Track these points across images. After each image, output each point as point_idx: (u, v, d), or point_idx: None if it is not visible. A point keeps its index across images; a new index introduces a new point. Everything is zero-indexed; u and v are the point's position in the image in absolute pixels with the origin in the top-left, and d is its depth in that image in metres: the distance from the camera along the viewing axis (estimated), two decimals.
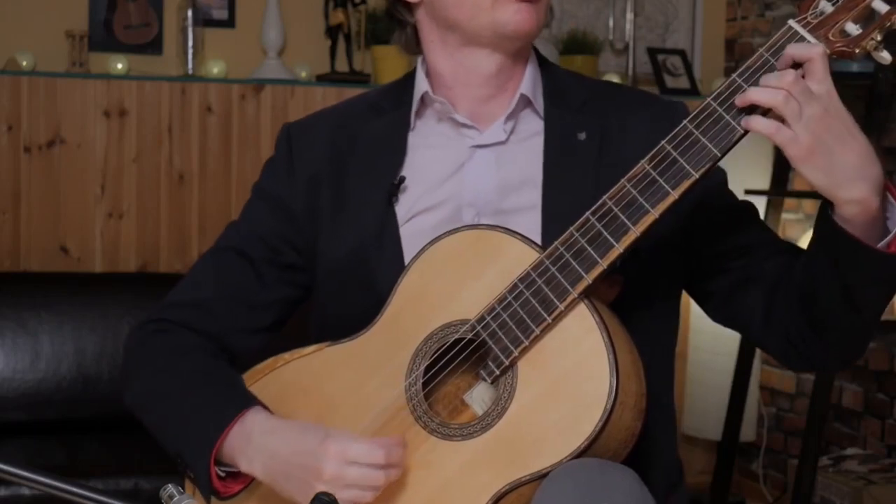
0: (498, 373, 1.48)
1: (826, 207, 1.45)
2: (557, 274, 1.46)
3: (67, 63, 3.83)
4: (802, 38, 1.42)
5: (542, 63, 1.70)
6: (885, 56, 1.43)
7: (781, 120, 1.39)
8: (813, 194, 1.44)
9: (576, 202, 1.51)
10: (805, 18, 1.44)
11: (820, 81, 1.39)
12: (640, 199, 1.45)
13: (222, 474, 1.57)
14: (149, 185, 3.89)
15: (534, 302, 1.46)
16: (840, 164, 1.39)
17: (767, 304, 1.58)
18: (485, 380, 1.51)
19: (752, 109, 1.41)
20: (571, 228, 1.47)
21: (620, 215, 1.45)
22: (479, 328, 1.49)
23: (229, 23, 4.05)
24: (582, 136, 1.63)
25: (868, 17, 1.42)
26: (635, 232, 1.45)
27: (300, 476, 1.49)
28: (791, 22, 1.44)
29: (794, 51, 1.40)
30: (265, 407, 1.58)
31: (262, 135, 3.96)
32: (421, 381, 1.52)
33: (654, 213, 1.44)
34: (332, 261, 1.66)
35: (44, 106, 3.79)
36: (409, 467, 1.50)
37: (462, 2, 1.59)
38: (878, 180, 1.41)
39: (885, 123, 3.57)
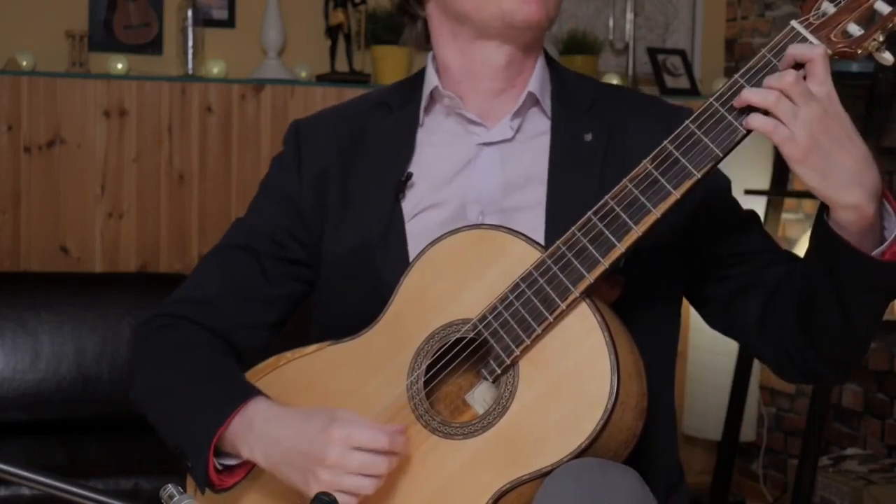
0: (499, 372, 1.48)
1: (822, 213, 1.45)
2: (559, 273, 1.46)
3: (67, 63, 3.83)
4: (805, 39, 1.42)
5: (551, 63, 1.70)
6: (887, 57, 1.43)
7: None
8: (813, 195, 1.44)
9: (580, 202, 1.51)
10: (807, 19, 1.44)
11: (820, 83, 1.39)
12: (642, 199, 1.45)
13: (220, 467, 1.57)
14: (149, 185, 3.89)
15: (535, 301, 1.46)
16: (836, 168, 1.39)
17: (764, 313, 1.58)
18: (486, 379, 1.51)
19: (753, 109, 1.41)
20: (573, 228, 1.47)
21: (622, 214, 1.45)
22: (480, 327, 1.49)
23: (229, 23, 4.06)
24: (588, 137, 1.63)
25: (870, 19, 1.42)
26: (637, 231, 1.45)
27: (301, 463, 1.49)
28: (793, 23, 1.44)
29: (795, 51, 1.40)
30: (268, 398, 1.58)
31: (262, 135, 3.96)
32: (422, 380, 1.52)
33: (656, 213, 1.44)
34: (338, 257, 1.67)
35: (44, 106, 3.79)
36: (410, 466, 1.51)
37: None
38: (875, 187, 1.41)
39: (885, 123, 3.57)
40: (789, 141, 1.38)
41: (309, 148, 1.72)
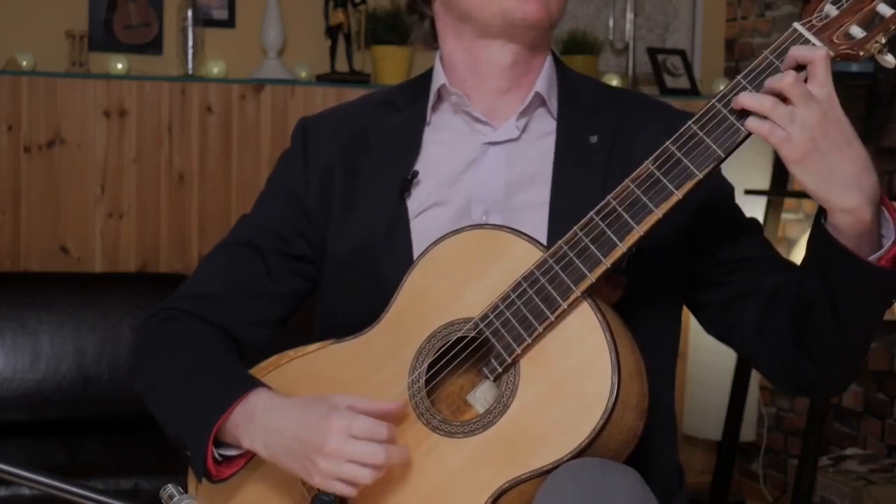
0: (500, 370, 1.49)
1: (820, 217, 1.45)
2: (561, 273, 1.46)
3: (67, 63, 3.83)
4: (807, 41, 1.42)
5: (558, 64, 1.71)
6: (889, 59, 1.43)
7: None
8: None
9: (583, 203, 1.51)
10: (810, 21, 1.44)
11: (821, 85, 1.39)
12: (644, 199, 1.45)
13: (219, 458, 1.58)
14: (149, 185, 3.89)
15: (537, 300, 1.46)
16: (834, 171, 1.38)
17: (761, 320, 1.58)
18: (487, 377, 1.51)
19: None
20: (575, 228, 1.47)
21: (624, 214, 1.46)
22: (482, 326, 1.49)
23: (229, 23, 4.06)
24: (594, 139, 1.64)
25: (872, 21, 1.42)
26: (639, 231, 1.45)
27: (301, 450, 1.49)
28: (796, 24, 1.44)
29: (797, 52, 1.40)
30: (269, 389, 1.58)
31: (262, 135, 3.96)
32: (424, 378, 1.52)
33: (658, 213, 1.45)
34: (342, 255, 1.67)
35: (44, 106, 3.79)
36: (410, 464, 1.51)
37: None
38: (873, 192, 1.41)
39: (885, 124, 3.57)
40: (786, 143, 1.38)
41: (316, 145, 1.73)
